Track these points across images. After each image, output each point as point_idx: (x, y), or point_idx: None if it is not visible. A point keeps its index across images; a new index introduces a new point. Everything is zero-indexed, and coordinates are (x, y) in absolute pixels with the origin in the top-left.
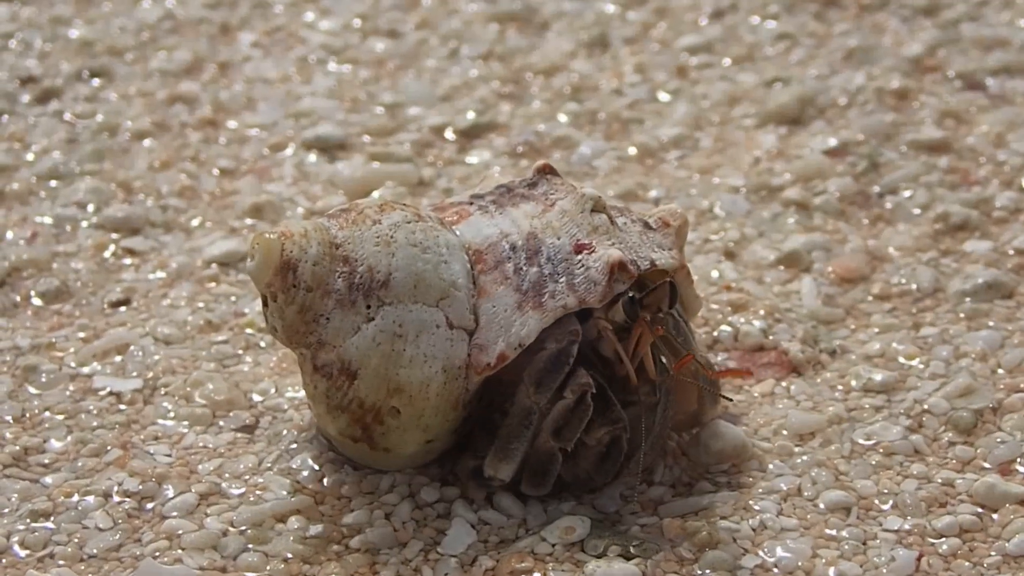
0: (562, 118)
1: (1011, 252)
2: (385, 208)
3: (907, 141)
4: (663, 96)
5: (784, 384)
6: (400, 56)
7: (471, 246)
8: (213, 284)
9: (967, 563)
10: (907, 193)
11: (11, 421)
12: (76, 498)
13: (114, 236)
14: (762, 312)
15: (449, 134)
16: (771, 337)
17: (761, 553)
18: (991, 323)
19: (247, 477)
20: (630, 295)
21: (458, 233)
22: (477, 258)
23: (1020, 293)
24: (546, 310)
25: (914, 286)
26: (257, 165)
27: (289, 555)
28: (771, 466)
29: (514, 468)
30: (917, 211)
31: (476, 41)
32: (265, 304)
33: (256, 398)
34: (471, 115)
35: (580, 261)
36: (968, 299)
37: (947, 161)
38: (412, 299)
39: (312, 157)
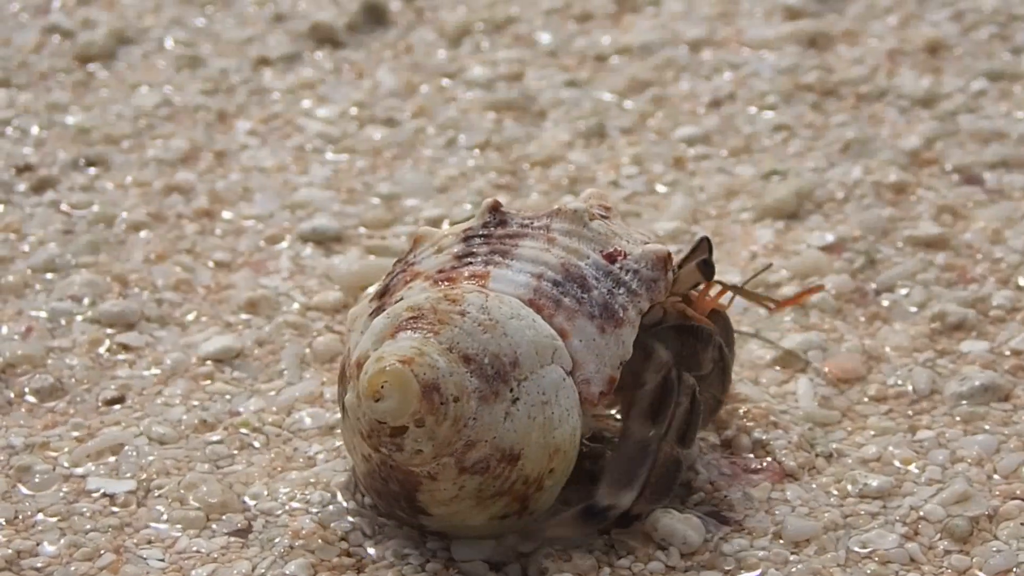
0: None
1: (1007, 353)
2: (454, 299)
3: (904, 237)
4: (660, 188)
5: (780, 489)
6: (397, 145)
7: (520, 298)
8: (208, 382)
9: None
10: (904, 291)
11: (4, 523)
12: None
13: (109, 331)
14: (755, 417)
15: (446, 226)
16: (766, 444)
17: None
18: (987, 427)
19: None
20: (703, 258)
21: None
22: (533, 307)
23: (1016, 396)
24: (627, 322)
25: (910, 387)
26: (253, 258)
27: None
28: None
29: (635, 496)
30: (914, 309)
31: (473, 130)
32: (397, 435)
33: (249, 501)
34: (468, 207)
35: (620, 267)
36: (964, 402)
37: (944, 258)
38: (539, 365)
39: (308, 250)
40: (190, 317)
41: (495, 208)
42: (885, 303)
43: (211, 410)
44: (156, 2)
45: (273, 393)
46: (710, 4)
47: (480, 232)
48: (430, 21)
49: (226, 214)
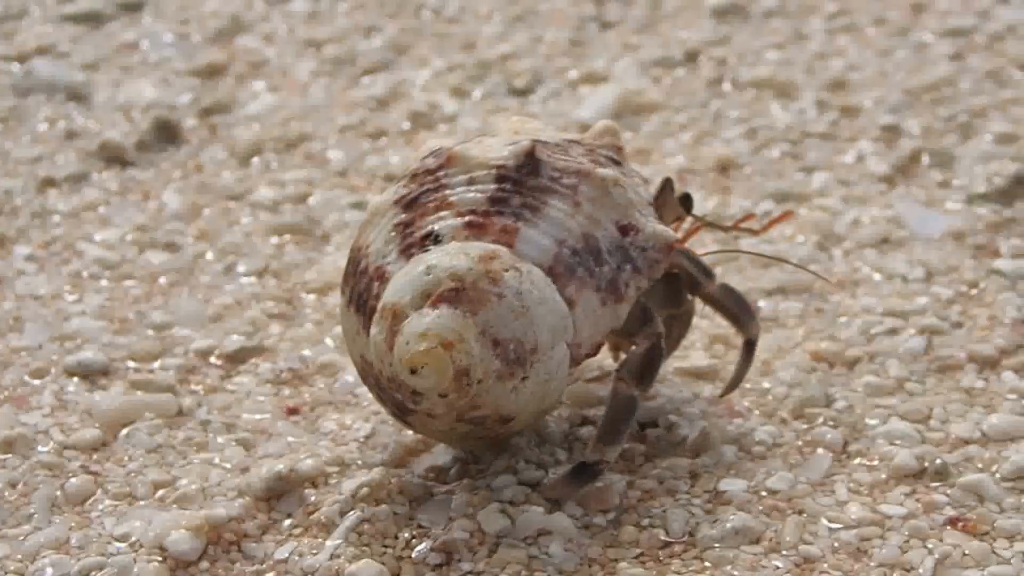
0: (329, 342)
1: (764, 493)
2: (494, 278)
3: (674, 368)
4: None
5: None
6: (176, 271)
7: (541, 264)
8: None
9: None
10: (669, 426)
11: None
12: None
13: None
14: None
15: (215, 359)
16: None
17: None
18: (736, 572)
19: None
20: (685, 192)
21: (524, 254)
22: (551, 274)
23: (768, 538)
24: (627, 298)
25: (663, 531)
26: (16, 393)
27: None
28: None
29: (619, 450)
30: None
31: (254, 255)
32: (418, 394)
33: None
34: (237, 338)
35: (631, 243)
36: (716, 545)
37: (711, 390)
38: (552, 346)
39: (72, 385)
40: None
41: (530, 153)
42: (650, 439)
43: None
44: None
45: (20, 538)
46: (505, 120)
47: (513, 175)
48: (223, 138)
49: None
